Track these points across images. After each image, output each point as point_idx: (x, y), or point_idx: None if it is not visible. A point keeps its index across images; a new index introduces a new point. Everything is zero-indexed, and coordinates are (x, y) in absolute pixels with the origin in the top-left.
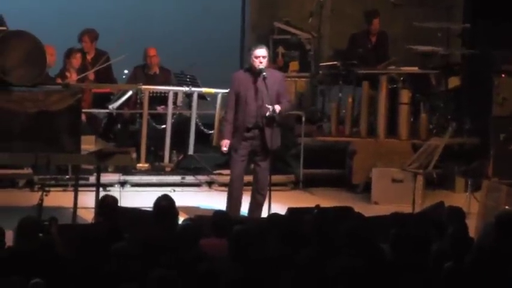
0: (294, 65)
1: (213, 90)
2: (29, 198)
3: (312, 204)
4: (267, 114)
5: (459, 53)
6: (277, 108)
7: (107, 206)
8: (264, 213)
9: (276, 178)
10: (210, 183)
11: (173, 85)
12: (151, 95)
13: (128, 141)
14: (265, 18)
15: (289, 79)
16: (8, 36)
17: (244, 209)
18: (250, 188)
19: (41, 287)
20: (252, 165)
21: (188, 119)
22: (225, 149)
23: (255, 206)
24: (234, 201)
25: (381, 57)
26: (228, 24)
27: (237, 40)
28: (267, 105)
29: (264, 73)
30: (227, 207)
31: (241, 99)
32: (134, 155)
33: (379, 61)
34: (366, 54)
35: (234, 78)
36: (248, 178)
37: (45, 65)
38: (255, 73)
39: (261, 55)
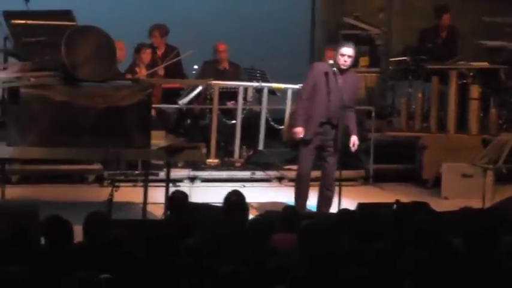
0: (363, 60)
1: (282, 86)
2: (99, 193)
3: (382, 200)
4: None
5: None
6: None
7: (176, 201)
8: (334, 209)
9: (346, 173)
10: (280, 179)
11: (243, 80)
12: (221, 90)
13: (198, 137)
14: (335, 13)
15: (359, 74)
16: (78, 32)
17: (312, 204)
18: (318, 183)
19: (110, 282)
20: (320, 161)
21: (258, 114)
22: (300, 136)
23: (324, 201)
24: (302, 196)
25: (451, 52)
26: (298, 19)
27: (306, 35)
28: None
29: (347, 73)
30: (296, 201)
31: (321, 92)
32: (204, 151)
33: (449, 56)
34: (435, 49)
35: (315, 68)
36: (314, 173)
37: (114, 60)
38: (339, 70)
39: (347, 53)
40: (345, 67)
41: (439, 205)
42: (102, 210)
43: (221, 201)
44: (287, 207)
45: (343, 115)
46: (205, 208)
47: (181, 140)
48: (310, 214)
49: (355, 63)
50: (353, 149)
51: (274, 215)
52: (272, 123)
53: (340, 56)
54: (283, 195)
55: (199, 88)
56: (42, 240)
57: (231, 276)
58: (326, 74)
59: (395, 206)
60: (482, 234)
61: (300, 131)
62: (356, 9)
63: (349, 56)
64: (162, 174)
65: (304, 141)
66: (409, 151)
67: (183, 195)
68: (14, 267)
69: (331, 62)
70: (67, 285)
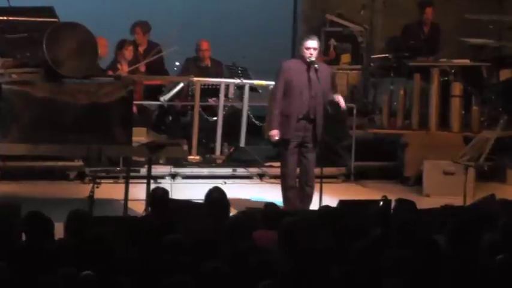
0: (345, 58)
1: (264, 83)
2: (80, 190)
3: (363, 197)
4: (312, 63)
5: (511, 45)
6: (342, 102)
7: (157, 198)
8: (315, 206)
9: (327, 170)
10: (261, 176)
11: (225, 77)
12: (202, 87)
13: (179, 133)
14: (317, 10)
15: (341, 71)
16: (60, 28)
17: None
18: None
19: (92, 279)
20: (298, 157)
21: (239, 111)
22: (276, 138)
23: (305, 198)
24: (291, 196)
25: (433, 49)
26: (280, 16)
27: (289, 32)
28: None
29: (316, 65)
30: (285, 201)
31: (294, 89)
32: (185, 147)
33: (431, 53)
34: (418, 46)
35: (284, 67)
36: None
37: (96, 56)
38: (307, 64)
39: (312, 46)
40: (310, 60)
41: (420, 202)
42: (83, 209)
43: (202, 198)
44: (268, 204)
45: (319, 108)
46: (187, 205)
47: (163, 136)
48: (292, 212)
49: (337, 61)
50: (342, 103)
51: (255, 212)
52: (253, 120)
53: (305, 50)
54: (265, 192)
55: (181, 85)
56: (24, 237)
57: (213, 273)
58: (298, 70)
59: (381, 202)
60: (464, 231)
61: (275, 134)
62: (338, 6)
63: (314, 49)
64: (143, 171)
65: (284, 142)
66: (390, 148)
67: (164, 192)
68: None
69: (297, 56)
70: (50, 283)
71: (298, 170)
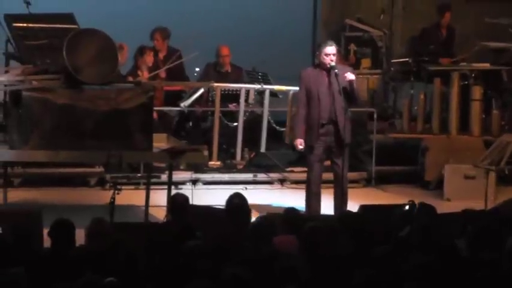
0: (365, 62)
1: (284, 88)
2: (101, 196)
3: (384, 202)
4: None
5: None
6: (350, 75)
7: (177, 204)
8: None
9: (348, 175)
10: (282, 181)
11: (245, 82)
12: (223, 92)
13: (200, 139)
14: (337, 15)
15: (361, 76)
16: (79, 35)
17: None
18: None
19: (116, 285)
20: (330, 163)
21: (260, 117)
22: (301, 147)
23: (340, 203)
24: (315, 201)
25: (449, 52)
26: (300, 21)
27: (308, 37)
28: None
29: (336, 70)
30: (308, 207)
31: (313, 96)
32: (206, 153)
33: (448, 56)
34: (436, 49)
35: (303, 75)
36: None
37: (116, 63)
38: (326, 69)
39: (331, 53)
40: (331, 66)
41: (441, 207)
42: (104, 216)
43: (223, 204)
44: (288, 209)
45: (340, 112)
46: (207, 211)
47: (183, 142)
48: (313, 216)
49: (357, 65)
50: (350, 77)
51: (276, 217)
52: (274, 125)
53: (324, 56)
54: (286, 197)
55: (201, 90)
56: (46, 244)
57: (234, 278)
58: (317, 76)
59: (407, 206)
60: (485, 236)
61: (300, 143)
62: (358, 11)
63: (333, 55)
64: (164, 177)
65: (309, 148)
66: (411, 153)
67: (184, 198)
68: (12, 269)
69: (315, 64)
70: None
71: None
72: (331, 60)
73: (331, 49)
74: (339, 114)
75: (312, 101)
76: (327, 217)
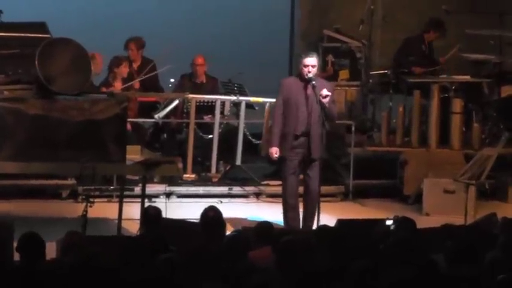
0: (344, 74)
1: (261, 99)
2: (73, 209)
3: (361, 216)
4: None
5: None
6: (325, 91)
7: (150, 217)
8: (314, 225)
9: (325, 189)
10: (257, 194)
11: (220, 94)
12: (198, 104)
13: (174, 151)
14: (315, 26)
15: (339, 88)
16: (52, 44)
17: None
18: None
19: None
20: (302, 176)
21: (236, 129)
22: (276, 155)
23: (308, 216)
24: (293, 213)
25: (433, 64)
26: (277, 32)
27: (285, 48)
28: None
29: (314, 82)
30: (286, 220)
31: (291, 106)
32: (180, 166)
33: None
34: (420, 60)
35: (283, 84)
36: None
37: (90, 73)
38: (305, 81)
39: (310, 64)
40: (308, 77)
41: (420, 221)
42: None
43: (198, 218)
44: (262, 223)
45: (315, 126)
46: (182, 224)
47: (157, 154)
48: (287, 230)
49: (334, 77)
50: (324, 95)
51: (250, 232)
52: (250, 137)
53: (303, 67)
54: (262, 211)
55: (176, 102)
56: (16, 257)
57: None
58: (296, 87)
59: (391, 221)
60: (464, 251)
61: (274, 151)
62: (336, 22)
63: (313, 66)
64: (137, 190)
65: (283, 160)
66: (390, 166)
67: (156, 211)
68: None
69: (296, 74)
70: None
71: (303, 188)
72: (309, 72)
73: (310, 60)
74: (315, 127)
75: (289, 110)
76: (303, 231)
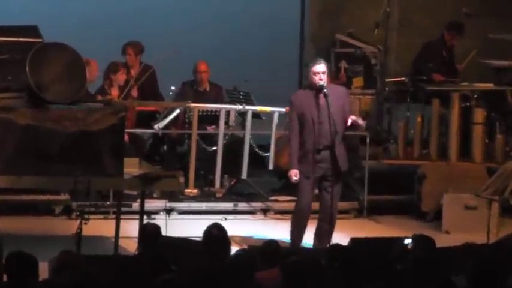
0: (357, 81)
1: (268, 109)
2: (67, 226)
3: (376, 234)
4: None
5: None
6: (360, 121)
7: (148, 234)
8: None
9: (338, 205)
10: (265, 211)
11: (225, 103)
12: (200, 113)
13: (175, 164)
14: (326, 30)
15: (352, 96)
16: (44, 49)
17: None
18: (317, 216)
19: None
20: (319, 191)
21: (241, 140)
22: (295, 178)
23: (323, 236)
24: (300, 232)
25: (453, 71)
26: (286, 37)
27: (295, 53)
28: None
29: (325, 90)
30: (292, 237)
31: (307, 121)
32: (182, 180)
33: (453, 75)
34: (440, 67)
35: (293, 100)
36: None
37: (85, 80)
38: (317, 90)
39: (320, 71)
40: (320, 85)
41: (439, 240)
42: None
43: (200, 236)
44: (268, 242)
45: (334, 136)
46: (182, 242)
47: (157, 168)
48: (296, 250)
49: (348, 84)
50: (352, 119)
51: (257, 250)
52: (257, 149)
53: (313, 75)
54: (269, 228)
55: (177, 111)
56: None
57: None
58: (308, 99)
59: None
60: (487, 272)
61: (294, 174)
62: (349, 25)
63: (323, 73)
64: (135, 206)
65: (303, 176)
66: (407, 181)
67: (155, 228)
68: None
69: (305, 85)
70: None
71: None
72: (320, 80)
73: (320, 67)
74: (335, 139)
75: (305, 126)
76: (312, 251)
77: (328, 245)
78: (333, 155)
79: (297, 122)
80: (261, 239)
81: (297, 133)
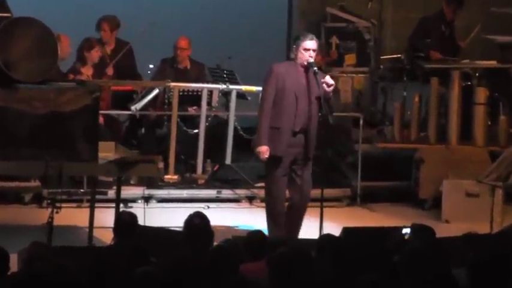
0: (350, 58)
1: (254, 88)
2: (37, 215)
3: (370, 223)
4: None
5: None
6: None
7: (124, 224)
8: (315, 234)
9: (329, 192)
10: (250, 198)
11: (207, 82)
12: (181, 93)
13: (154, 149)
14: (316, 3)
15: (345, 75)
16: (13, 25)
17: None
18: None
19: None
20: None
21: (225, 122)
22: (266, 156)
23: (295, 225)
24: (278, 222)
25: (454, 48)
26: (273, 10)
27: (283, 29)
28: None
29: (315, 68)
30: (270, 229)
31: (288, 98)
32: (161, 165)
33: (453, 52)
34: (438, 43)
35: (276, 71)
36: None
37: (56, 57)
38: (304, 67)
39: (311, 47)
40: (309, 63)
41: (439, 230)
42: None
43: (181, 225)
44: (254, 232)
45: (314, 119)
46: (162, 233)
47: (134, 152)
48: (283, 240)
49: (339, 62)
50: (330, 83)
51: (242, 241)
52: (241, 132)
53: (303, 51)
54: (255, 217)
55: (156, 91)
56: None
57: None
58: (293, 75)
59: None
60: (489, 264)
61: (264, 150)
62: None
63: (313, 50)
64: (111, 193)
65: (274, 159)
66: (403, 166)
67: (131, 217)
68: None
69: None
70: None
71: (292, 190)
72: (310, 57)
73: (311, 43)
74: (313, 122)
75: (285, 102)
76: (304, 242)
77: (297, 234)
78: (307, 139)
79: (273, 94)
80: (246, 229)
81: (271, 106)
